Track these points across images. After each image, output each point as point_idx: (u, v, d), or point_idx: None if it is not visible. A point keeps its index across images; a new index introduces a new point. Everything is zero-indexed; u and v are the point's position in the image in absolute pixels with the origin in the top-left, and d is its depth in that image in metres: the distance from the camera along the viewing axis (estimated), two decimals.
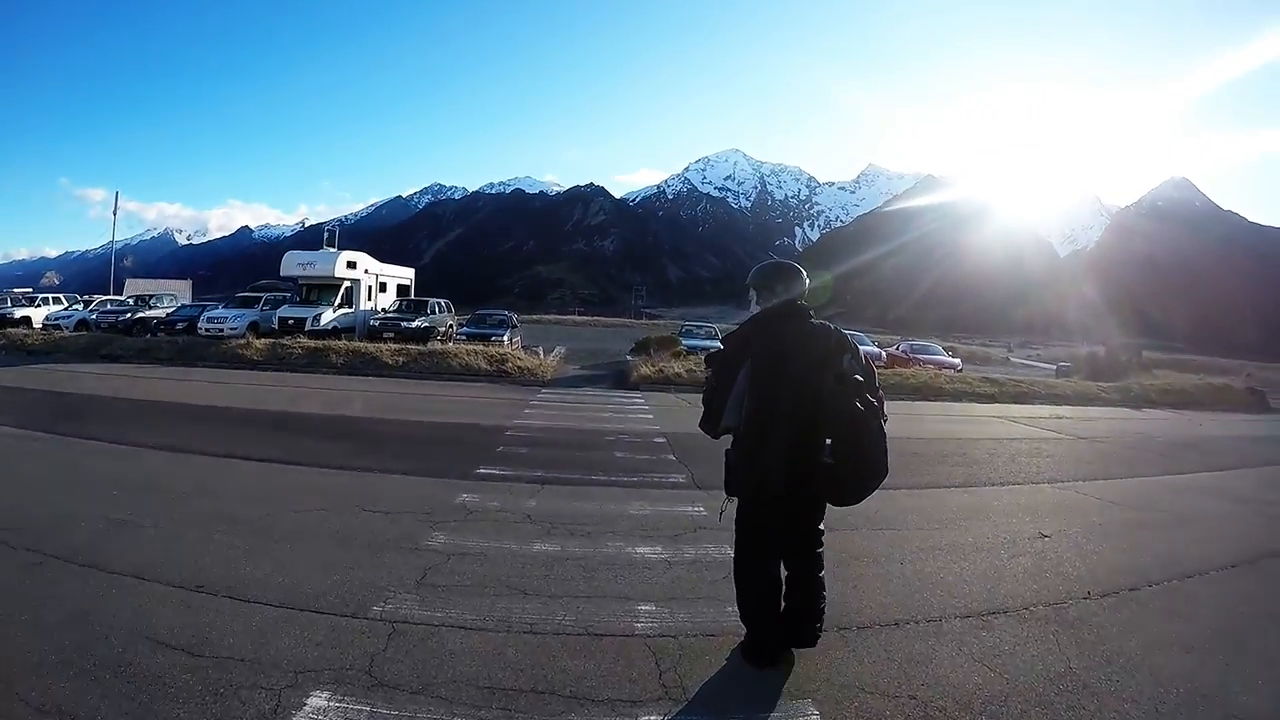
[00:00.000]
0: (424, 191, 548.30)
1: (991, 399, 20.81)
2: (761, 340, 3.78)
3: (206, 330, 24.56)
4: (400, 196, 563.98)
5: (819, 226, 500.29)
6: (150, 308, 30.43)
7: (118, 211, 54.54)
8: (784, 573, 3.97)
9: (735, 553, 4.04)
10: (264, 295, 28.07)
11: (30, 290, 38.65)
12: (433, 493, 7.31)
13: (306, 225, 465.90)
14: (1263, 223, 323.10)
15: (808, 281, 3.99)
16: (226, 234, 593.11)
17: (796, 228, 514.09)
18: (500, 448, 10.04)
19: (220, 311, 26.49)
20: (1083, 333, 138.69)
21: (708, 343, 27.68)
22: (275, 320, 25.56)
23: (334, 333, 25.48)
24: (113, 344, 22.26)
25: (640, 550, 5.84)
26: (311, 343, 22.04)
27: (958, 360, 30.66)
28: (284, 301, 27.39)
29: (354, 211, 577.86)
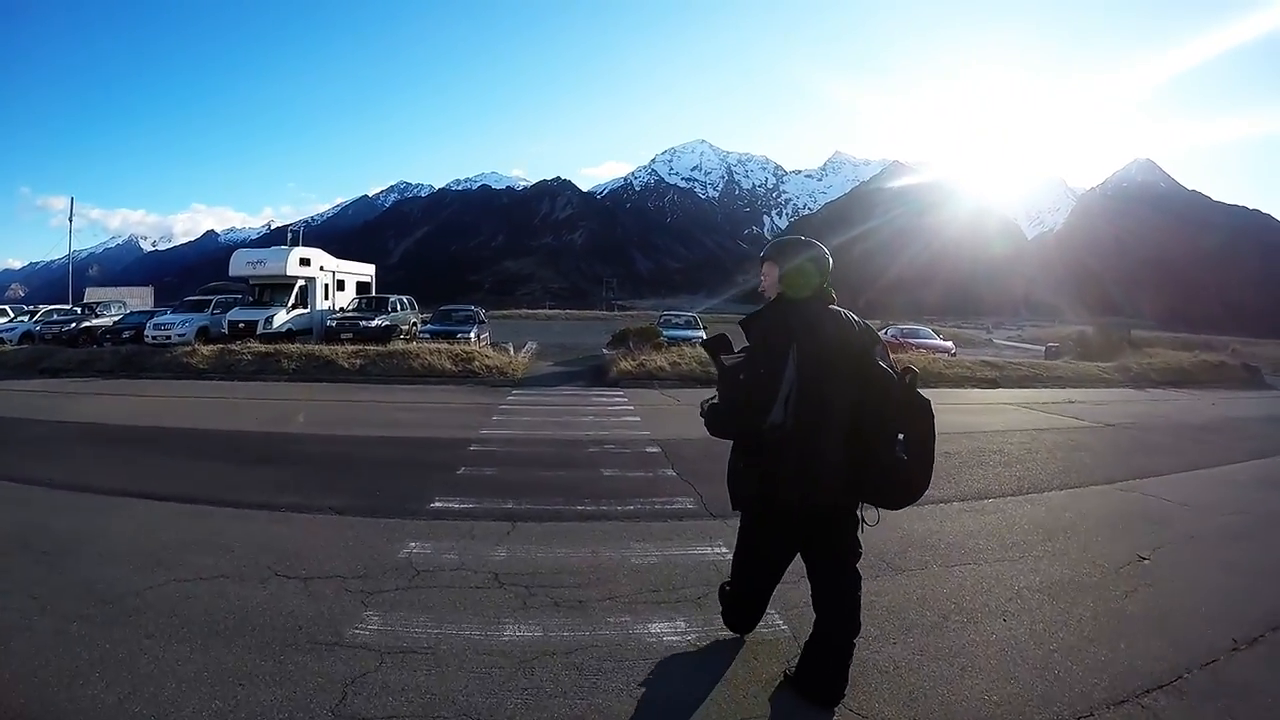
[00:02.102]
0: (390, 190, 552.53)
1: (994, 384, 19.93)
2: (805, 325, 3.35)
3: (153, 338, 23.06)
4: (366, 196, 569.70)
5: (787, 214, 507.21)
6: (97, 316, 28.95)
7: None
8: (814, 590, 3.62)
9: (732, 577, 3.98)
10: (214, 298, 26.44)
11: None
12: (372, 541, 5.65)
13: (272, 228, 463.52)
14: (1226, 201, 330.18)
15: (830, 262, 3.59)
16: (192, 239, 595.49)
17: (765, 216, 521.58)
18: (462, 469, 8.34)
19: (167, 318, 25.02)
20: (1052, 313, 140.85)
21: (688, 332, 26.37)
22: (225, 324, 23.90)
23: (288, 335, 23.75)
24: (53, 356, 20.82)
25: (655, 629, 4.24)
26: (262, 348, 20.27)
27: (950, 344, 29.36)
28: (236, 304, 25.74)
29: (320, 212, 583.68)
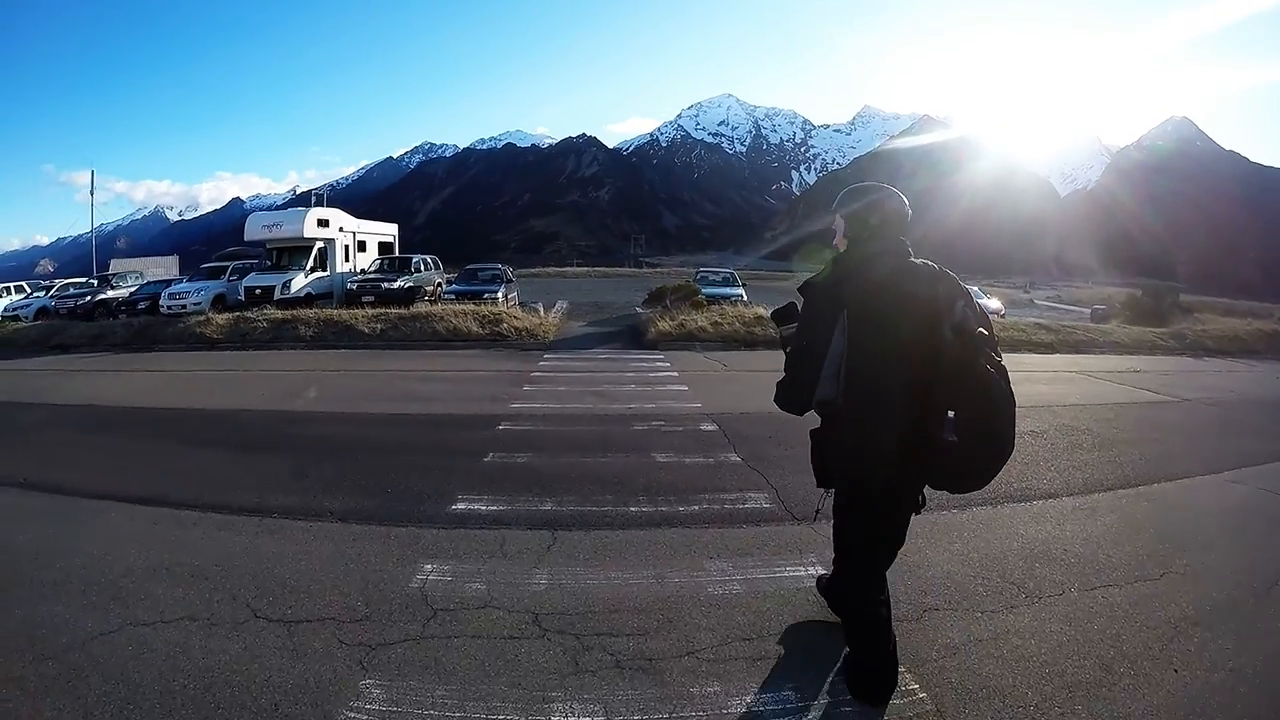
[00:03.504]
0: (414, 151, 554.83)
1: (1050, 348, 18.56)
2: (858, 286, 2.94)
3: (168, 308, 22.16)
4: (391, 157, 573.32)
5: (815, 170, 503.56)
6: (113, 288, 28.07)
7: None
8: None
9: (836, 567, 3.37)
10: (230, 265, 25.57)
11: None
12: (378, 561, 4.55)
13: (297, 193, 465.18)
14: (1264, 162, 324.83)
15: (909, 211, 3.14)
16: (218, 207, 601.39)
17: (793, 171, 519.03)
18: (489, 455, 7.18)
19: (182, 286, 24.11)
20: (1084, 273, 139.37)
21: (726, 290, 24.98)
22: (241, 291, 22.95)
23: (307, 300, 22.72)
24: (66, 331, 19.90)
25: (757, 704, 3.15)
26: (278, 314, 19.32)
27: (999, 304, 27.96)
28: (252, 270, 24.70)
29: (345, 175, 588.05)
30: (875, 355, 2.87)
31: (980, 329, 2.83)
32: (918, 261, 3.05)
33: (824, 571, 4.11)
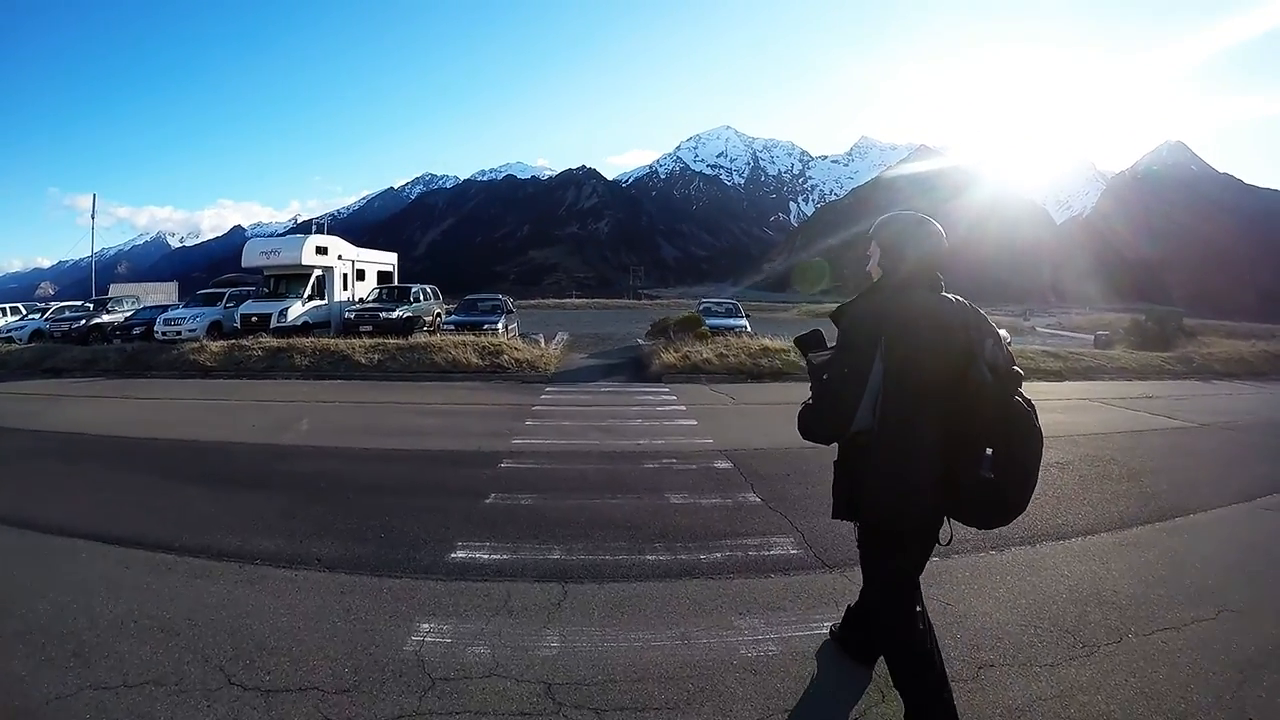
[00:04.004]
0: (415, 182, 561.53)
1: (1059, 376, 18.33)
2: (897, 316, 2.85)
3: (163, 334, 21.78)
4: (392, 188, 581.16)
5: (813, 200, 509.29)
6: (108, 312, 27.59)
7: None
8: None
9: (868, 599, 3.31)
10: (227, 291, 25.19)
11: None
12: (370, 618, 4.08)
13: (298, 221, 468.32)
14: (1259, 185, 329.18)
15: (945, 243, 3.05)
16: (219, 234, 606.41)
17: (791, 202, 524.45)
18: (491, 496, 6.69)
19: (178, 313, 23.57)
20: (1081, 299, 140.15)
21: (730, 321, 24.58)
22: (237, 318, 22.59)
23: (304, 329, 22.40)
24: (59, 355, 19.76)
25: None
26: (274, 343, 19.01)
27: (1005, 331, 27.57)
28: (249, 297, 24.34)
29: (346, 205, 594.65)
30: (913, 387, 2.81)
31: (1016, 368, 2.83)
32: (950, 296, 2.98)
33: (835, 620, 3.83)
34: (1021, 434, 2.75)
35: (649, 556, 5.16)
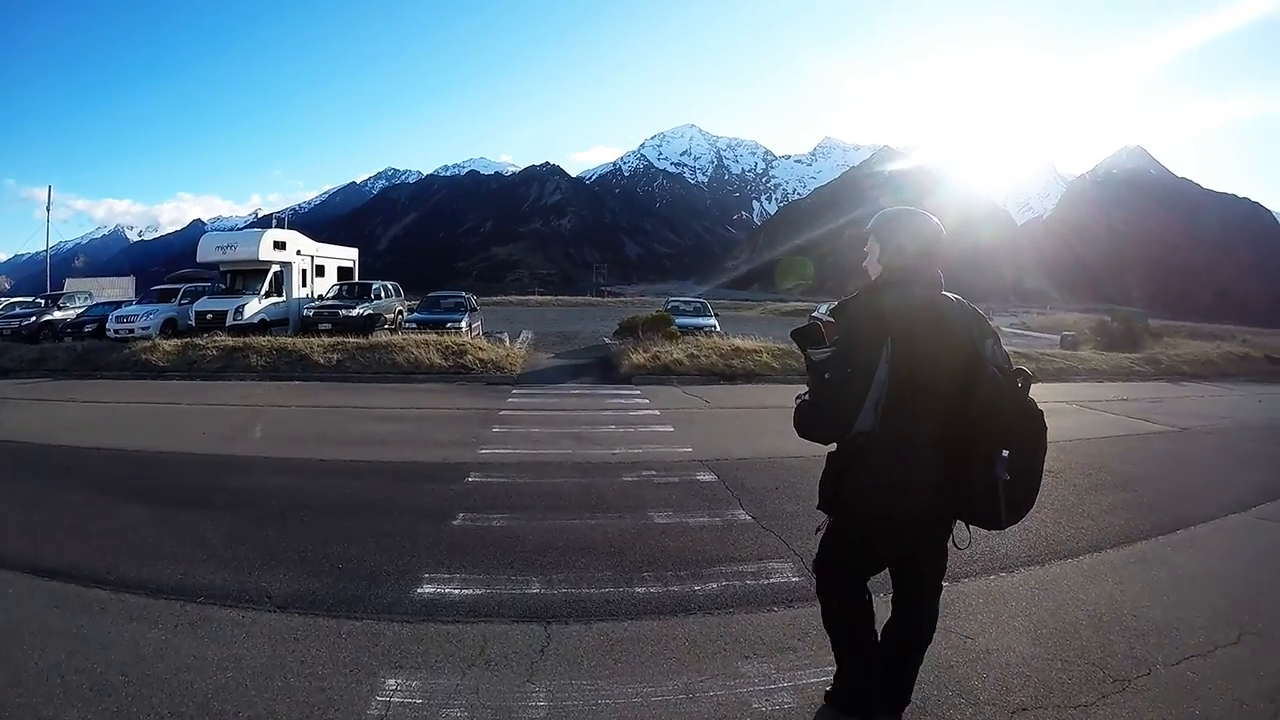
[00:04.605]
0: (378, 176, 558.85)
1: (1034, 377, 17.96)
2: (902, 315, 2.75)
3: (115, 332, 20.94)
4: (354, 182, 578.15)
5: (776, 200, 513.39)
6: (60, 308, 26.70)
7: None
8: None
9: (820, 577, 3.12)
10: (182, 287, 24.37)
11: None
12: (325, 673, 3.54)
13: (259, 215, 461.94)
14: (1216, 189, 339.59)
15: (945, 240, 3.04)
16: (179, 228, 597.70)
17: (754, 201, 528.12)
18: (459, 517, 6.11)
19: (131, 309, 22.82)
20: (1042, 300, 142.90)
21: (699, 320, 24.39)
22: (192, 315, 21.83)
23: (261, 327, 21.68)
24: (5, 354, 18.75)
25: None
26: (229, 342, 18.27)
27: None
28: (205, 293, 23.55)
29: (307, 200, 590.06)
30: (919, 388, 2.71)
31: (1023, 367, 2.85)
32: (951, 296, 2.95)
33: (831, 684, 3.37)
34: (1035, 433, 2.75)
35: (638, 589, 4.68)
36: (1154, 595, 4.77)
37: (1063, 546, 5.62)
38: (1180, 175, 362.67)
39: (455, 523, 5.95)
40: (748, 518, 6.16)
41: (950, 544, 3.02)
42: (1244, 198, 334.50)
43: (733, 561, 5.16)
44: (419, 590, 4.56)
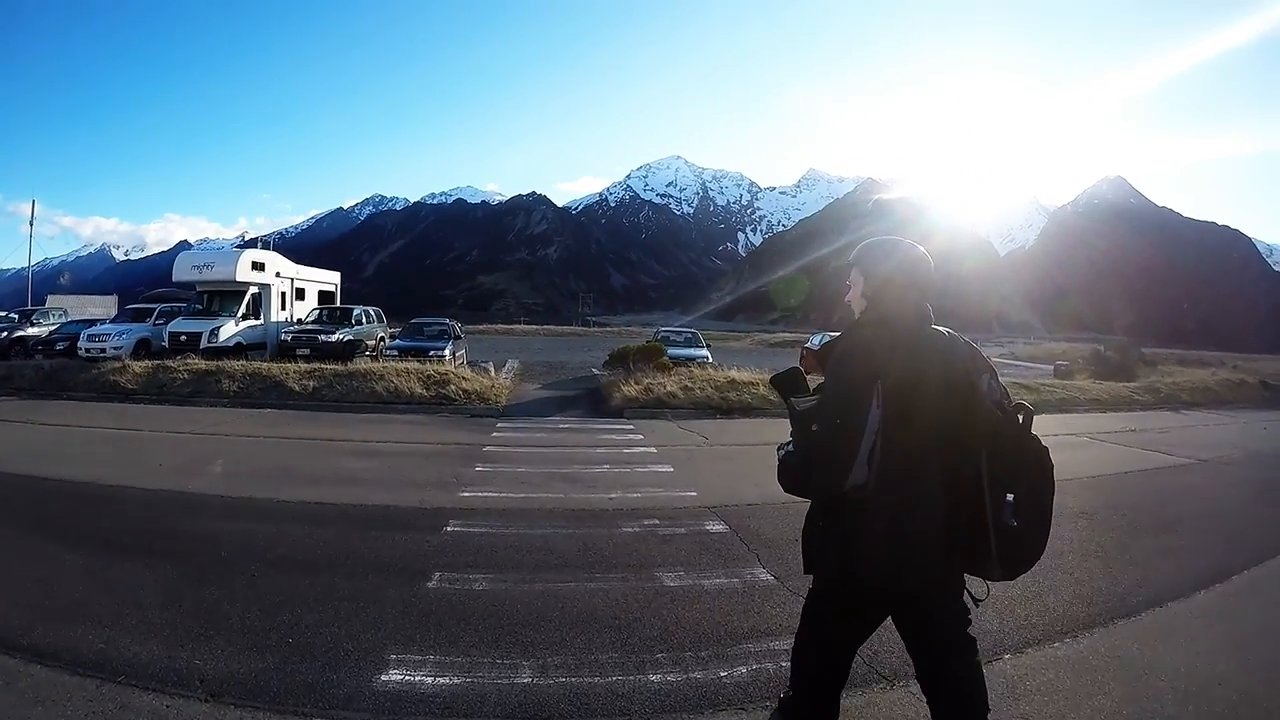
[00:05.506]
0: (365, 203, 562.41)
1: (1035, 409, 17.56)
2: (891, 354, 2.57)
3: (86, 351, 20.16)
4: (341, 208, 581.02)
5: (761, 231, 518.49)
6: (32, 325, 25.81)
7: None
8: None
9: (796, 665, 3.04)
10: (157, 307, 23.50)
11: None
12: None
13: (246, 238, 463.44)
14: (1197, 218, 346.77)
15: (934, 272, 2.83)
16: (165, 249, 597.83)
17: (739, 233, 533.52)
18: (435, 578, 5.19)
19: (104, 328, 21.91)
20: (1025, 330, 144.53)
21: (691, 350, 23.64)
22: (166, 337, 21.00)
23: (237, 350, 20.90)
24: None
25: None
26: (201, 365, 17.51)
27: None
28: (179, 314, 22.61)
29: (294, 224, 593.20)
30: (916, 434, 2.52)
31: (1023, 402, 2.66)
32: (942, 330, 2.78)
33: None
34: (1041, 473, 2.55)
35: (652, 675, 3.82)
36: (1233, 657, 4.21)
37: (1120, 603, 5.01)
38: (1160, 205, 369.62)
39: (430, 584, 5.10)
40: (770, 578, 5.36)
41: (967, 597, 2.75)
42: (1224, 225, 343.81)
43: (761, 636, 4.34)
44: (383, 677, 3.71)
